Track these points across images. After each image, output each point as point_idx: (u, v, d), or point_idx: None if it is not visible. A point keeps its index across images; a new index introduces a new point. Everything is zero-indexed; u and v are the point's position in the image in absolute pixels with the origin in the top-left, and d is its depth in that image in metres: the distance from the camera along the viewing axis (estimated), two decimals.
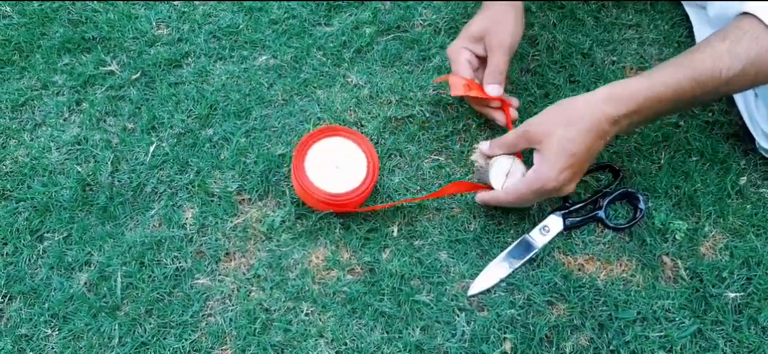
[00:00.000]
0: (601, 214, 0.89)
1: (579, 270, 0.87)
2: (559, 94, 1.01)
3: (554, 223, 0.89)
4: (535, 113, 0.97)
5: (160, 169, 0.96)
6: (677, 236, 0.88)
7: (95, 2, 1.14)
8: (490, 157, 0.88)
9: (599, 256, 0.87)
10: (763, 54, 0.74)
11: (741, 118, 0.95)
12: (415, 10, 1.11)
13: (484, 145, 0.88)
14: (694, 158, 0.95)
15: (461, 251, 0.88)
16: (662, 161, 0.95)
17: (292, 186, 0.92)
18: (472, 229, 0.90)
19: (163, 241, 0.90)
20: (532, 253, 0.87)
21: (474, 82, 0.93)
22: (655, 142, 0.97)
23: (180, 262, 0.88)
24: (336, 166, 0.89)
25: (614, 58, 1.05)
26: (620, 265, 0.87)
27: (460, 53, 0.93)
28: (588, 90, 1.00)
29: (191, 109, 1.02)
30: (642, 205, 0.89)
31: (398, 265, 0.87)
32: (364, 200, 0.90)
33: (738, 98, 0.96)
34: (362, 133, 0.96)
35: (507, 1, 0.92)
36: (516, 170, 0.86)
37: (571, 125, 0.78)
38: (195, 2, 1.15)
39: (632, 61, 1.05)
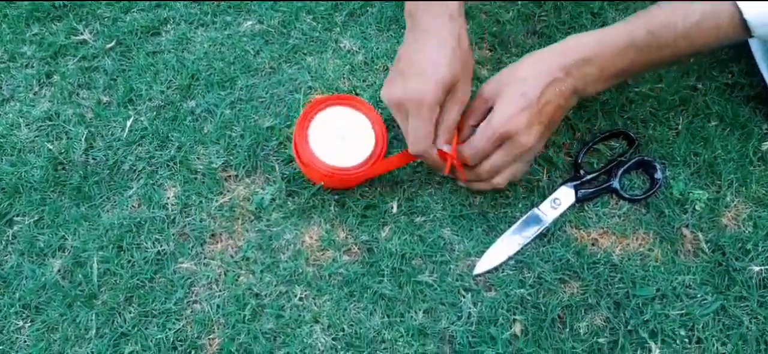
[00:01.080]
0: (615, 184, 0.83)
1: (593, 245, 0.80)
2: None
3: (565, 196, 0.83)
4: None
5: (139, 145, 0.89)
6: (697, 207, 0.82)
7: None
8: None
9: (614, 230, 0.81)
10: (720, 6, 0.70)
11: (763, 79, 0.89)
12: None
13: (441, 140, 0.78)
14: (714, 123, 0.89)
15: (466, 227, 0.82)
16: (680, 127, 0.89)
17: (292, 158, 0.85)
18: (477, 204, 0.83)
19: (142, 222, 0.83)
20: (542, 228, 0.81)
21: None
22: (672, 107, 0.90)
23: (162, 246, 0.81)
24: (341, 137, 0.82)
25: None
26: (637, 238, 0.81)
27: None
28: None
29: (171, 80, 0.95)
30: (659, 175, 0.83)
31: (398, 243, 0.80)
32: (374, 174, 0.83)
33: (759, 59, 0.89)
34: None
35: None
36: None
37: (522, 72, 0.75)
38: None
39: None
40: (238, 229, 0.83)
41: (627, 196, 0.82)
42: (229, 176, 0.86)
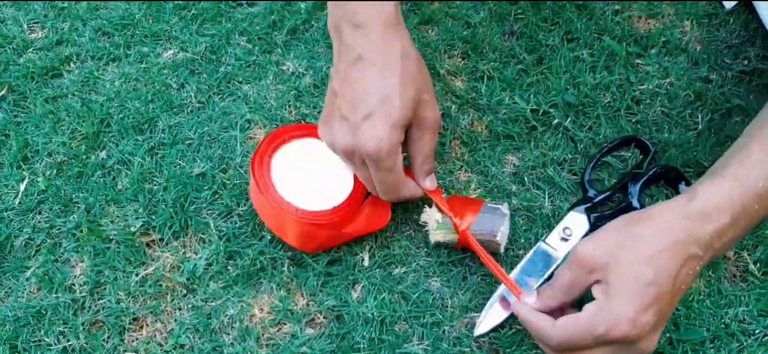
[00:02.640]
0: (634, 202, 0.67)
1: None
2: (556, 57, 0.79)
3: (577, 223, 0.66)
4: (528, 84, 0.76)
5: (36, 213, 0.71)
6: None
7: None
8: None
9: None
10: None
11: None
12: None
13: (530, 298, 0.58)
14: (737, 118, 0.75)
15: (458, 276, 0.65)
16: (700, 126, 0.74)
17: (231, 210, 0.67)
18: None
19: (43, 312, 0.64)
20: (552, 267, 0.64)
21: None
22: (687, 104, 0.76)
23: (68, 340, 0.63)
24: (311, 174, 0.67)
25: (617, 7, 0.84)
26: None
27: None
28: (591, 48, 0.80)
29: (75, 129, 0.76)
30: (685, 186, 0.68)
31: (375, 306, 0.63)
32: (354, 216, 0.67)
33: None
34: None
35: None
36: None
37: (647, 248, 0.52)
38: None
39: (640, 9, 0.84)
40: (166, 308, 0.64)
41: None
42: (152, 241, 0.68)
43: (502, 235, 0.63)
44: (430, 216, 0.65)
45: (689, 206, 0.52)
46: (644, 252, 0.51)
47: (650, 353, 0.53)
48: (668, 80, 0.78)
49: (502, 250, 0.64)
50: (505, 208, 0.64)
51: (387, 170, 0.59)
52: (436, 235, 0.65)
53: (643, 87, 0.77)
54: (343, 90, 0.59)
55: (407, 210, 0.69)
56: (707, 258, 0.53)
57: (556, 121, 0.75)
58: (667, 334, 0.61)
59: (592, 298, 0.52)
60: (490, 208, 0.64)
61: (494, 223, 0.63)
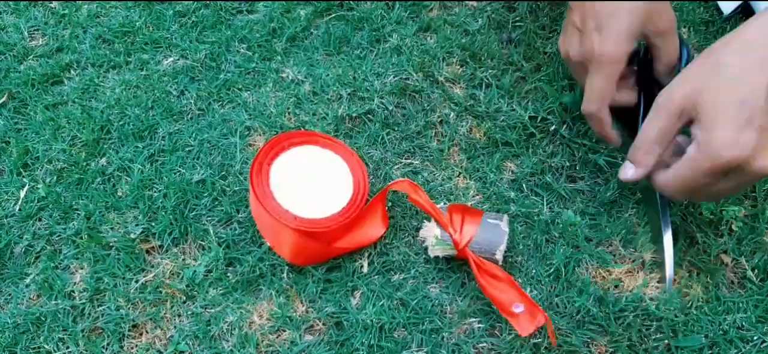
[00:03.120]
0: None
1: (616, 287, 0.64)
2: (554, 65, 0.79)
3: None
4: (526, 91, 0.76)
5: (36, 220, 0.71)
6: (734, 226, 0.67)
7: None
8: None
9: (641, 264, 0.65)
10: None
11: None
12: None
13: (628, 171, 0.59)
14: None
15: (457, 281, 0.65)
16: None
17: (231, 217, 0.68)
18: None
19: (43, 318, 0.64)
20: None
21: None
22: None
23: (68, 347, 0.63)
24: (310, 182, 0.68)
25: None
26: None
27: None
28: None
29: (75, 135, 0.77)
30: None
31: (374, 312, 0.63)
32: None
33: None
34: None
35: None
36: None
37: (731, 70, 0.52)
38: (77, 1, 0.89)
39: None
40: (166, 315, 0.64)
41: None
42: (152, 248, 0.68)
43: (500, 253, 0.63)
44: (429, 231, 0.65)
45: (757, 23, 0.53)
46: (730, 75, 0.52)
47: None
48: None
49: (500, 264, 0.64)
50: (504, 225, 0.64)
51: (603, 76, 0.61)
52: (435, 251, 0.65)
53: None
54: (577, 6, 0.62)
55: (406, 216, 0.69)
56: None
57: (553, 127, 0.75)
58: (666, 341, 0.61)
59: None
60: (491, 224, 0.64)
61: (493, 242, 0.63)
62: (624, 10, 0.59)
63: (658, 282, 0.64)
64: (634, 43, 0.61)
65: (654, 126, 0.56)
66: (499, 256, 0.63)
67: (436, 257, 0.65)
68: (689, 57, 0.65)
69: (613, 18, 0.59)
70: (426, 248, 0.65)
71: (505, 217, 0.65)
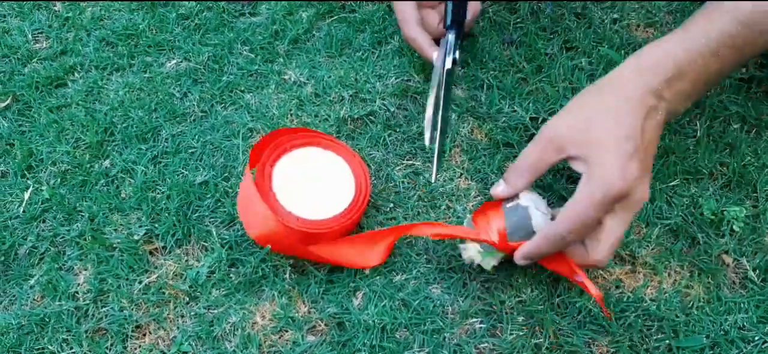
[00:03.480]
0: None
1: (617, 288, 0.65)
2: (555, 66, 0.80)
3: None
4: (528, 92, 0.76)
5: (40, 221, 0.71)
6: (735, 227, 0.68)
7: None
8: (503, 201, 0.63)
9: (641, 266, 0.65)
10: None
11: None
12: None
13: (498, 188, 0.63)
14: (736, 125, 0.75)
15: (458, 282, 0.65)
16: (698, 133, 0.74)
17: (234, 218, 0.68)
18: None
19: (46, 319, 0.65)
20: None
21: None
22: (685, 111, 0.76)
23: (72, 347, 0.63)
24: (312, 183, 0.68)
25: (615, 16, 0.85)
26: (670, 274, 0.65)
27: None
28: (589, 57, 0.80)
29: (79, 138, 0.77)
30: None
31: (376, 313, 0.63)
32: (354, 225, 0.68)
33: None
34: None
35: None
36: (540, 206, 0.62)
37: (609, 110, 0.57)
38: (81, 4, 0.90)
39: (638, 17, 0.85)
40: (169, 315, 0.64)
41: None
42: (155, 249, 0.68)
43: (539, 225, 0.60)
44: (470, 250, 0.63)
45: (638, 62, 0.59)
46: (611, 115, 0.56)
47: (647, 201, 0.59)
48: None
49: None
50: (523, 200, 0.61)
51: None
52: (488, 263, 0.63)
53: None
54: None
55: (407, 217, 0.69)
56: (663, 108, 0.58)
57: None
58: (667, 341, 0.61)
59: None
60: (510, 208, 0.62)
61: (524, 221, 0.60)
62: None
63: (655, 287, 0.65)
64: None
65: (532, 152, 0.60)
66: (537, 228, 0.60)
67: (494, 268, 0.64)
68: None
69: None
70: (480, 268, 0.64)
71: (521, 194, 0.62)
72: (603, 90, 0.59)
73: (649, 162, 0.57)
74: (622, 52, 0.81)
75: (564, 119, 0.59)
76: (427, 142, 0.70)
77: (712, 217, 0.68)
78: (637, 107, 0.56)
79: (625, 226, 0.57)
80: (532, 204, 0.61)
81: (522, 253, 0.60)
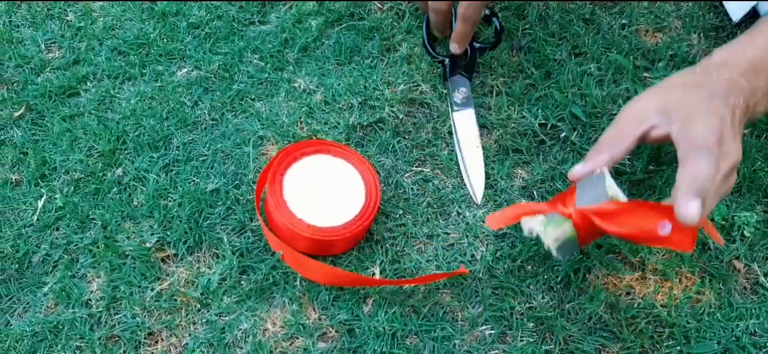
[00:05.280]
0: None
1: (628, 294, 0.65)
2: (564, 71, 0.80)
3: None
4: (536, 98, 0.77)
5: (54, 229, 0.72)
6: (746, 232, 0.67)
7: None
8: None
9: (652, 272, 0.65)
10: None
11: None
12: None
13: (575, 167, 0.59)
14: (746, 130, 0.75)
15: (469, 289, 0.65)
16: None
17: (244, 226, 0.69)
18: (479, 258, 0.67)
19: (60, 326, 0.65)
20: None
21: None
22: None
23: None
24: (323, 190, 0.69)
25: (624, 21, 0.85)
26: (681, 280, 0.65)
27: None
28: (598, 62, 0.80)
29: (92, 146, 0.78)
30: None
31: (386, 319, 0.63)
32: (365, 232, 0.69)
33: None
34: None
35: None
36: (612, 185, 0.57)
37: (687, 86, 0.58)
38: (93, 14, 0.90)
39: (647, 21, 0.85)
40: (181, 322, 0.65)
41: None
42: (167, 256, 0.69)
43: (613, 190, 0.56)
44: (533, 220, 0.59)
45: (709, 61, 0.60)
46: (690, 89, 0.57)
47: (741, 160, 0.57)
48: None
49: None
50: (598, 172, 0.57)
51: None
52: (551, 234, 0.57)
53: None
54: None
55: (417, 224, 0.70)
56: (743, 93, 0.58)
57: (564, 134, 0.75)
58: (678, 348, 0.61)
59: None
60: (585, 180, 0.58)
61: (598, 186, 0.56)
62: None
63: (666, 293, 0.65)
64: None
65: (611, 129, 0.59)
66: (613, 195, 0.56)
67: (558, 246, 0.58)
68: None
69: None
70: (538, 240, 0.59)
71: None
72: (675, 78, 0.60)
73: (737, 129, 0.56)
74: (631, 57, 0.81)
75: (641, 98, 0.60)
76: (477, 201, 0.71)
77: (723, 222, 0.68)
78: (716, 85, 0.57)
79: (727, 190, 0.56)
80: (608, 173, 0.57)
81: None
